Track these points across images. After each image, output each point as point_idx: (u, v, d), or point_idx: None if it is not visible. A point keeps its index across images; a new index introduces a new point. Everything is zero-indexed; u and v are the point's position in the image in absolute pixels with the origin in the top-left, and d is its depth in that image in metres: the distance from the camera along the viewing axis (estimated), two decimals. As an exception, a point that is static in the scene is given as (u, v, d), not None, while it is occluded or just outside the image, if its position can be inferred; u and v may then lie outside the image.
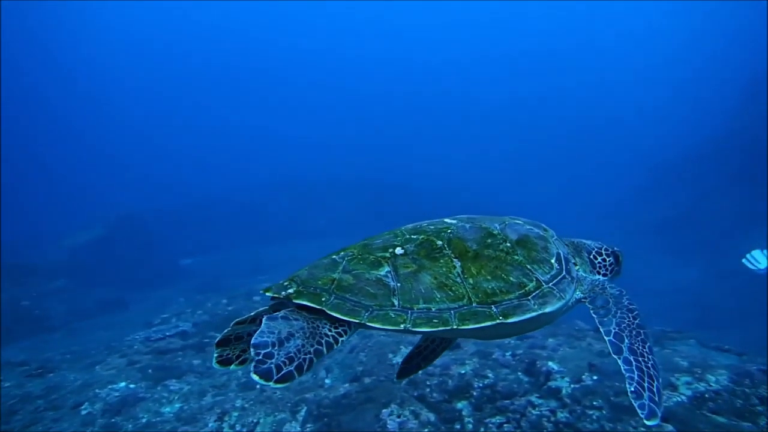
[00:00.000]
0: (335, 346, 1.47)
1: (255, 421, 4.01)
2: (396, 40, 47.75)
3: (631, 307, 1.74)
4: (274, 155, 35.87)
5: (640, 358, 1.57)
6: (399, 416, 3.66)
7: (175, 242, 17.26)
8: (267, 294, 1.61)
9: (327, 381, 4.90)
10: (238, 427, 3.98)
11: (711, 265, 12.46)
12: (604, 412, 3.62)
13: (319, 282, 1.57)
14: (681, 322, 7.91)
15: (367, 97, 44.23)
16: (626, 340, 1.62)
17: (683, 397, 3.60)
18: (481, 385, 4.17)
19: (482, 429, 3.82)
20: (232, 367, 1.64)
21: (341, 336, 1.50)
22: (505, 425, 3.82)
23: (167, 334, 6.19)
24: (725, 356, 4.73)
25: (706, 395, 3.57)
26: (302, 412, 4.01)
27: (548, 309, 1.63)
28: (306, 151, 34.85)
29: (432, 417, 3.72)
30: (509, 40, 45.49)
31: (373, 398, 3.90)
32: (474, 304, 1.57)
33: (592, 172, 26.93)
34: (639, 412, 1.48)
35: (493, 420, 3.86)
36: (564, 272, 1.76)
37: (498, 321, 1.55)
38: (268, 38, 47.79)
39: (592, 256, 2.00)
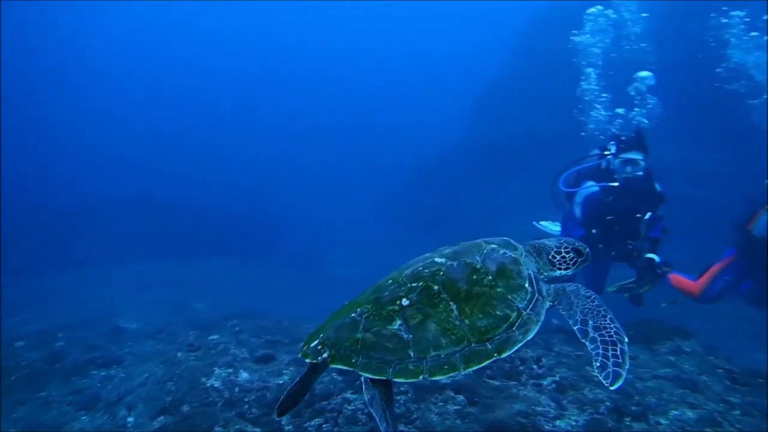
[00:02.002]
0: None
1: (49, 481, 3.50)
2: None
3: (587, 294, 2.02)
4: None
5: (603, 331, 1.85)
6: (224, 438, 3.62)
7: None
8: (306, 360, 1.81)
9: (130, 419, 4.50)
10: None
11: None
12: (409, 395, 4.12)
13: (347, 343, 1.77)
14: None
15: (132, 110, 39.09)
16: (590, 322, 1.90)
17: (470, 371, 4.33)
18: (298, 391, 4.34)
19: (302, 433, 3.99)
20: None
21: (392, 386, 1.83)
22: (323, 425, 4.06)
23: None
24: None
25: (485, 365, 4.36)
26: (110, 459, 3.65)
27: (530, 336, 1.87)
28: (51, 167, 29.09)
29: (258, 431, 3.77)
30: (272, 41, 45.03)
31: (194, 425, 3.76)
32: (473, 344, 1.79)
33: (366, 173, 28.78)
34: (603, 382, 1.72)
35: (312, 423, 4.06)
36: (537, 294, 1.98)
37: (494, 358, 1.79)
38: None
39: (551, 257, 2.20)
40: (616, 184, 5.85)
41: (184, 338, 6.02)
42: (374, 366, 1.73)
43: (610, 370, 1.74)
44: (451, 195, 17.84)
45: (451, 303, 1.87)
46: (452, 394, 4.01)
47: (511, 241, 2.23)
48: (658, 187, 5.93)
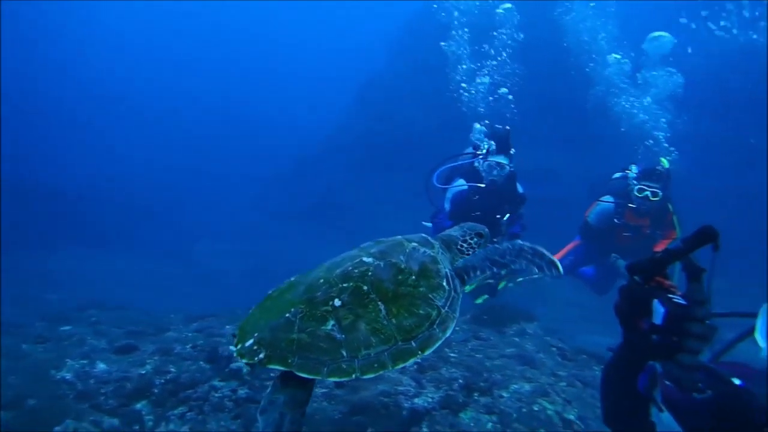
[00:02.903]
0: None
1: None
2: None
3: (469, 252, 2.26)
4: None
5: (506, 251, 2.10)
6: (75, 430, 3.42)
7: None
8: (242, 360, 1.79)
9: (-41, 418, 4.05)
10: None
11: (351, 245, 15.17)
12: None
13: (283, 344, 1.79)
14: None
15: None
16: (496, 257, 2.11)
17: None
18: (162, 381, 4.22)
19: (163, 423, 3.90)
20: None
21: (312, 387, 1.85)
22: (187, 414, 4.00)
23: None
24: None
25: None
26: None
27: (448, 333, 1.94)
28: None
29: (116, 422, 3.62)
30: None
31: (41, 420, 3.50)
32: (400, 343, 1.84)
33: (242, 166, 27.82)
34: (550, 276, 1.96)
35: (175, 411, 3.99)
36: (453, 291, 2.08)
37: (418, 355, 1.83)
38: None
39: (458, 247, 2.32)
40: (482, 185, 6.35)
41: (30, 330, 5.50)
42: (310, 366, 1.78)
43: (543, 263, 2.03)
44: (330, 188, 17.97)
45: (379, 303, 1.96)
46: (320, 377, 4.15)
47: (429, 238, 2.35)
48: (520, 188, 6.55)
